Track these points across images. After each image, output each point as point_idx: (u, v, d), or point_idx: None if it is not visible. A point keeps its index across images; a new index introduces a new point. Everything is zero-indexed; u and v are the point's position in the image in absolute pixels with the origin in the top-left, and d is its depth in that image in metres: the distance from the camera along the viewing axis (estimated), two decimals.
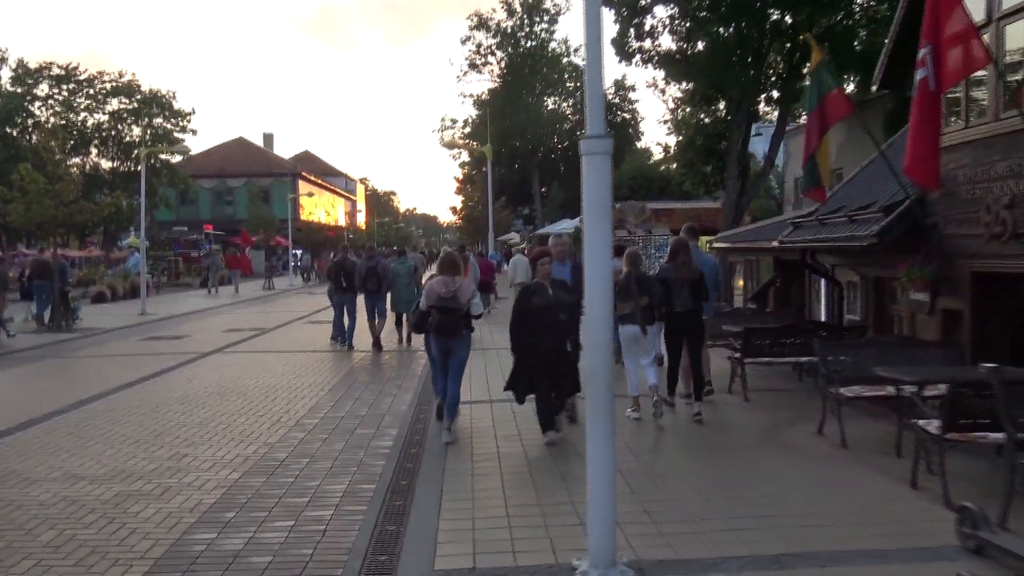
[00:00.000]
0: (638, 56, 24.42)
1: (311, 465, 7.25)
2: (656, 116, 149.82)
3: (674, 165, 44.13)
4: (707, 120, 27.69)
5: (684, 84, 26.89)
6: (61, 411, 9.82)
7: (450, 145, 54.48)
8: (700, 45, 23.89)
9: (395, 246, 25.34)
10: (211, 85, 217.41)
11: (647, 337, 8.59)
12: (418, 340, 15.63)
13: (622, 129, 59.30)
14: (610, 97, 59.94)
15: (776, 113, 26.26)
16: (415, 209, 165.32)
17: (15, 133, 44.43)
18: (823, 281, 13.92)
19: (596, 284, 4.56)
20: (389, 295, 15.74)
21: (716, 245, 17.77)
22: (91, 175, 43.94)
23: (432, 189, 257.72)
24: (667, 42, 24.78)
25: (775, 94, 25.06)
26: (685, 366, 9.11)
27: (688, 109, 29.75)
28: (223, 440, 8.21)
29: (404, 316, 15.83)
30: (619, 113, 59.86)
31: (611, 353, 4.74)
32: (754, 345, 9.74)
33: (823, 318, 13.74)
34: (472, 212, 47.21)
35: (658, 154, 46.17)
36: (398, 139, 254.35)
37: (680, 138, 31.46)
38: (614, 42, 24.43)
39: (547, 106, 58.24)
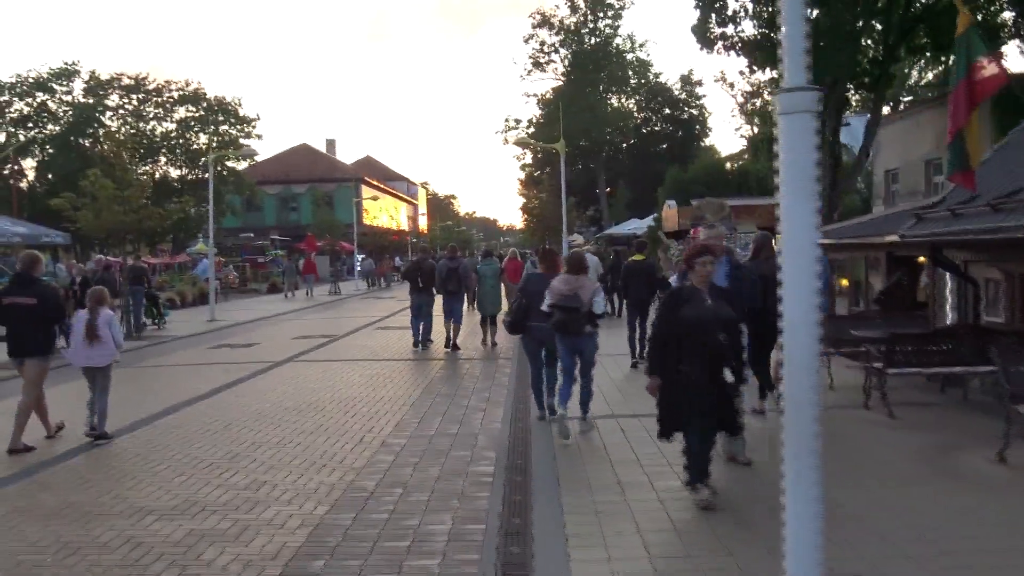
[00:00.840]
0: (720, 43, 23.18)
1: (405, 497, 6.28)
2: (724, 112, 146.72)
3: (742, 160, 42.36)
4: None
5: (769, 72, 25.39)
6: (127, 428, 9.06)
7: (521, 144, 53.54)
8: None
9: (486, 249, 24.72)
10: (273, 94, 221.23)
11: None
12: (504, 344, 14.84)
13: (690, 125, 57.81)
14: (676, 92, 58.57)
15: (866, 102, 24.64)
16: (475, 212, 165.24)
17: (87, 143, 45.04)
18: (948, 279, 12.52)
19: (799, 283, 3.46)
20: (474, 297, 15.20)
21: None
22: (161, 183, 44.32)
23: (491, 192, 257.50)
24: (749, 28, 23.44)
25: (867, 80, 23.46)
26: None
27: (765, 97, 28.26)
28: (303, 464, 7.31)
29: (490, 318, 15.28)
30: (686, 109, 58.44)
31: (819, 375, 3.63)
32: (897, 353, 8.48)
33: (949, 320, 12.34)
34: (543, 211, 46.16)
35: (737, 148, 44.44)
36: (458, 142, 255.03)
37: (755, 131, 29.93)
38: (694, 29, 23.27)
39: (612, 104, 57.05)
